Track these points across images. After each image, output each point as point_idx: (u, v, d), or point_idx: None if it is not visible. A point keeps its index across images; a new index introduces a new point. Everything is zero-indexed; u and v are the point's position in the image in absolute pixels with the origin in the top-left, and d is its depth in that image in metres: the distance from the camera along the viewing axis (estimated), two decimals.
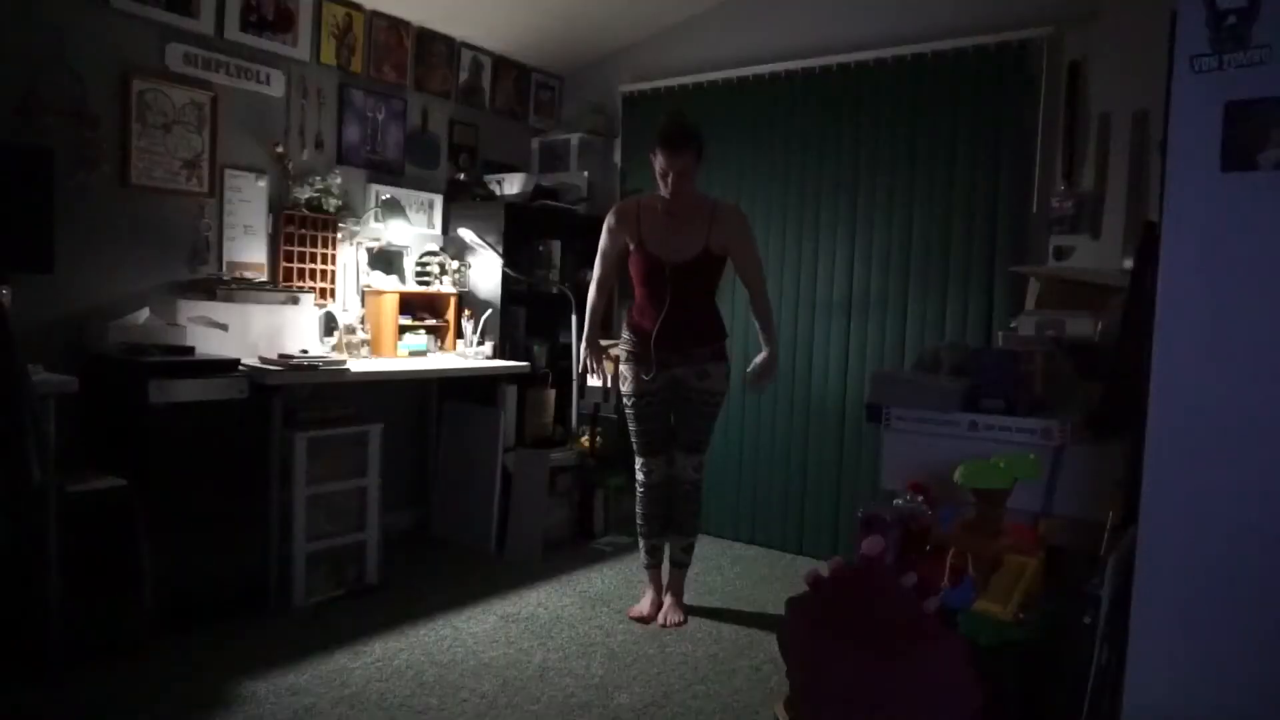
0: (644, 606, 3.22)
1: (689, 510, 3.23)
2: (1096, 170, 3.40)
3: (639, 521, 3.25)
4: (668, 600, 3.22)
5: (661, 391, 3.13)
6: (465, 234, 4.09)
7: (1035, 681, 2.02)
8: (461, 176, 4.30)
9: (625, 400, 3.18)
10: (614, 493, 4.23)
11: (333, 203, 3.74)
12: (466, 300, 4.19)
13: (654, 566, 3.27)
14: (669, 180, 2.97)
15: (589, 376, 3.41)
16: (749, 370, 3.25)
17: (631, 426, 3.20)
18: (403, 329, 3.89)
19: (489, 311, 4.10)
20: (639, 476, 3.23)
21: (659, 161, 2.97)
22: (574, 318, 4.12)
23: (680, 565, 3.26)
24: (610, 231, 3.17)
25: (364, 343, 3.74)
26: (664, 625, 3.14)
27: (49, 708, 2.36)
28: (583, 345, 3.35)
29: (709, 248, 3.04)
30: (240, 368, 3.03)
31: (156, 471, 2.79)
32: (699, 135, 3.00)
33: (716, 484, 4.14)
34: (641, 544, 3.28)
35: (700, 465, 3.20)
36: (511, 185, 4.21)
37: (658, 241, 3.06)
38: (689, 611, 3.24)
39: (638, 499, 3.25)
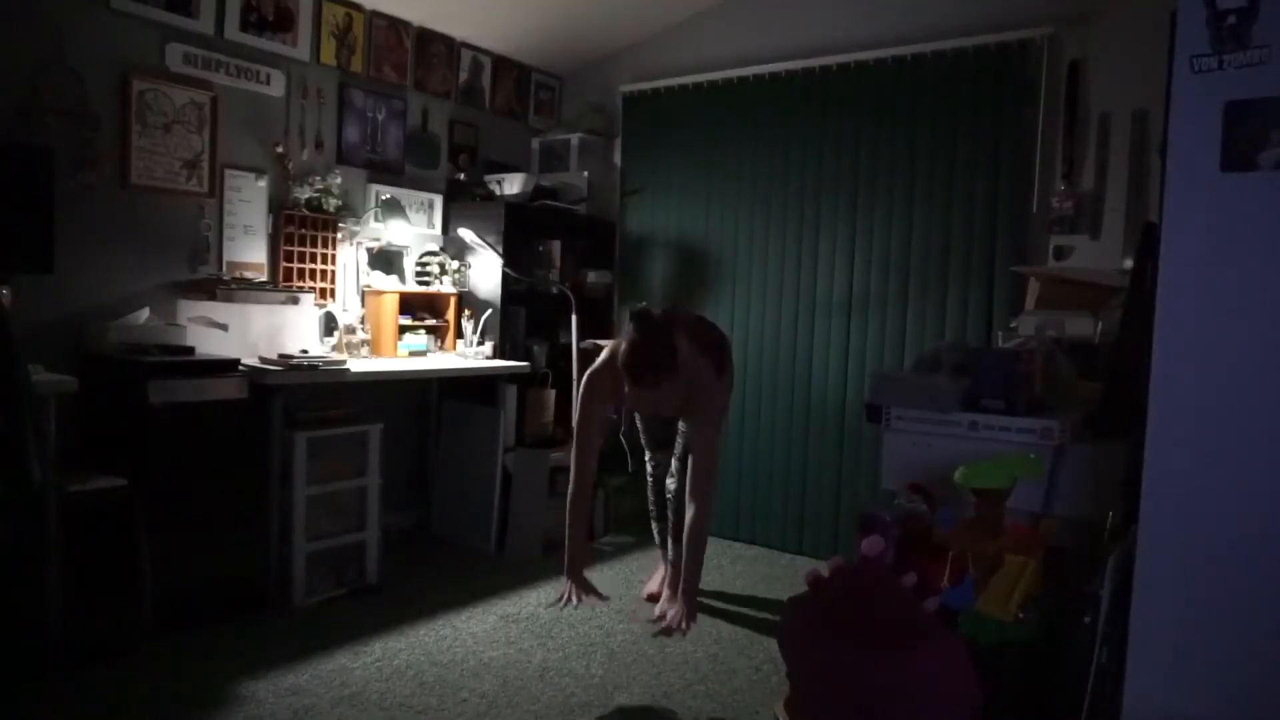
0: (653, 584, 3.33)
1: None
2: (1096, 170, 3.40)
3: (650, 506, 3.40)
4: (665, 597, 3.05)
5: None
6: (465, 234, 4.09)
7: (1035, 681, 2.02)
8: (461, 176, 4.30)
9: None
10: (614, 493, 4.23)
11: (333, 203, 3.74)
12: (466, 300, 4.19)
13: (665, 544, 3.33)
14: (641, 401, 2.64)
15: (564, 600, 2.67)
16: (655, 619, 2.72)
17: (638, 425, 3.30)
18: (403, 329, 3.89)
19: (489, 311, 4.10)
20: (648, 470, 3.38)
21: (626, 392, 2.54)
22: (574, 318, 4.12)
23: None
24: (587, 406, 2.70)
25: (364, 343, 3.74)
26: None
27: (49, 708, 2.36)
28: (564, 572, 2.70)
29: (685, 410, 2.76)
30: (240, 368, 3.03)
31: (156, 471, 2.79)
32: (668, 358, 2.48)
33: (717, 484, 4.13)
34: (654, 525, 3.39)
35: None
36: (511, 185, 4.21)
37: (637, 405, 2.84)
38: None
39: (649, 487, 3.40)
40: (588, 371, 2.73)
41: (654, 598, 3.23)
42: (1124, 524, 2.02)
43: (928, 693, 1.95)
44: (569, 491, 2.70)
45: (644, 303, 2.61)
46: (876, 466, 2.68)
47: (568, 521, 2.70)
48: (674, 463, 3.20)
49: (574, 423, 2.73)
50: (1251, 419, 1.67)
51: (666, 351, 2.49)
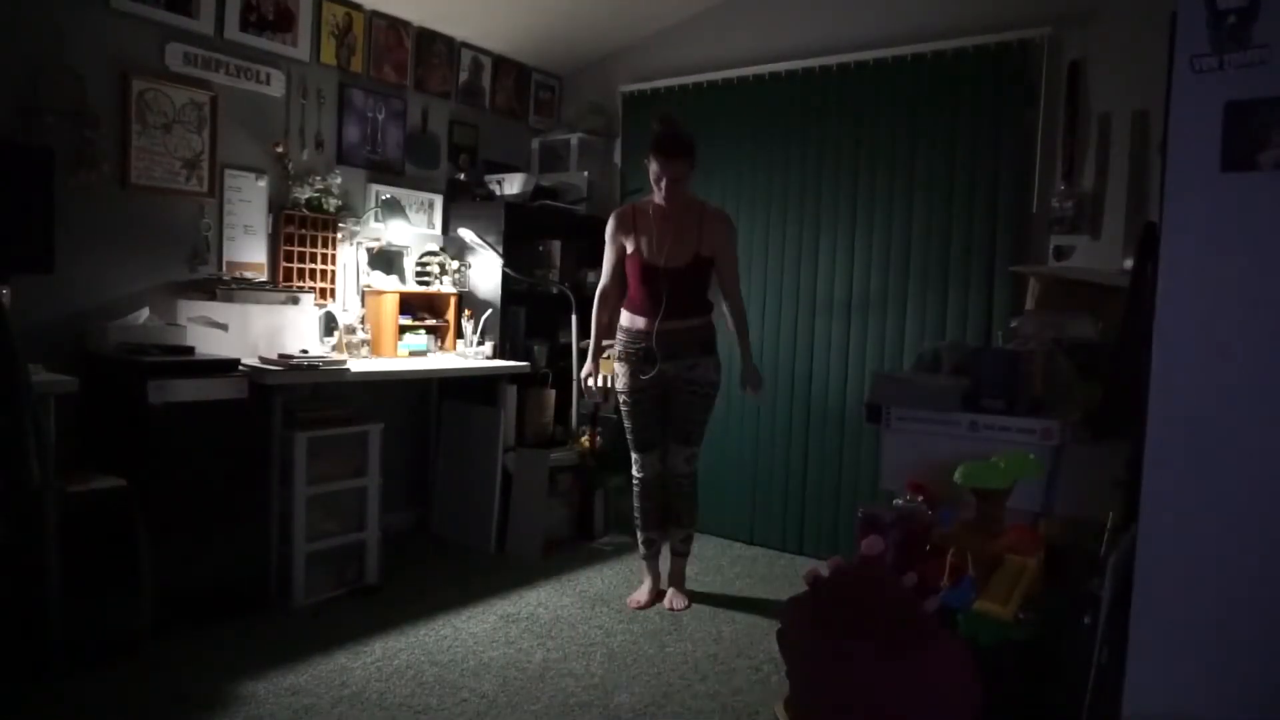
0: (641, 595, 3.33)
1: (686, 505, 3.31)
2: (1096, 170, 3.40)
3: (636, 515, 3.35)
4: (670, 590, 3.35)
5: (653, 387, 3.18)
6: (465, 234, 4.09)
7: (1035, 681, 2.02)
8: (461, 176, 4.30)
9: (620, 397, 3.25)
10: (614, 492, 4.22)
11: (333, 203, 3.74)
12: (466, 300, 4.19)
13: (651, 558, 3.37)
14: (663, 185, 3.06)
15: (585, 385, 3.42)
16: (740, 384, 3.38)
17: (626, 424, 3.28)
18: (403, 329, 3.89)
19: (489, 311, 4.10)
20: (634, 472, 3.31)
21: (653, 167, 3.06)
22: (574, 318, 4.12)
23: (680, 555, 3.37)
24: (610, 238, 3.25)
25: (364, 343, 3.74)
26: (671, 609, 3.26)
27: (49, 708, 2.36)
28: (586, 364, 3.39)
29: (699, 252, 3.13)
30: (240, 368, 3.03)
31: (156, 471, 2.79)
32: (692, 143, 3.09)
33: (716, 484, 4.13)
34: (639, 535, 3.37)
35: (693, 458, 3.26)
36: (511, 185, 4.21)
37: (652, 247, 3.13)
38: (692, 600, 3.34)
39: (634, 494, 3.34)
40: (613, 213, 3.29)
41: (643, 607, 3.28)
42: (1124, 524, 2.02)
43: (927, 692, 1.95)
44: (594, 313, 3.33)
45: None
46: (876, 466, 2.68)
47: (592, 340, 3.35)
48: (671, 448, 3.26)
49: (605, 254, 3.29)
50: (1252, 419, 1.66)
51: (689, 139, 3.07)
